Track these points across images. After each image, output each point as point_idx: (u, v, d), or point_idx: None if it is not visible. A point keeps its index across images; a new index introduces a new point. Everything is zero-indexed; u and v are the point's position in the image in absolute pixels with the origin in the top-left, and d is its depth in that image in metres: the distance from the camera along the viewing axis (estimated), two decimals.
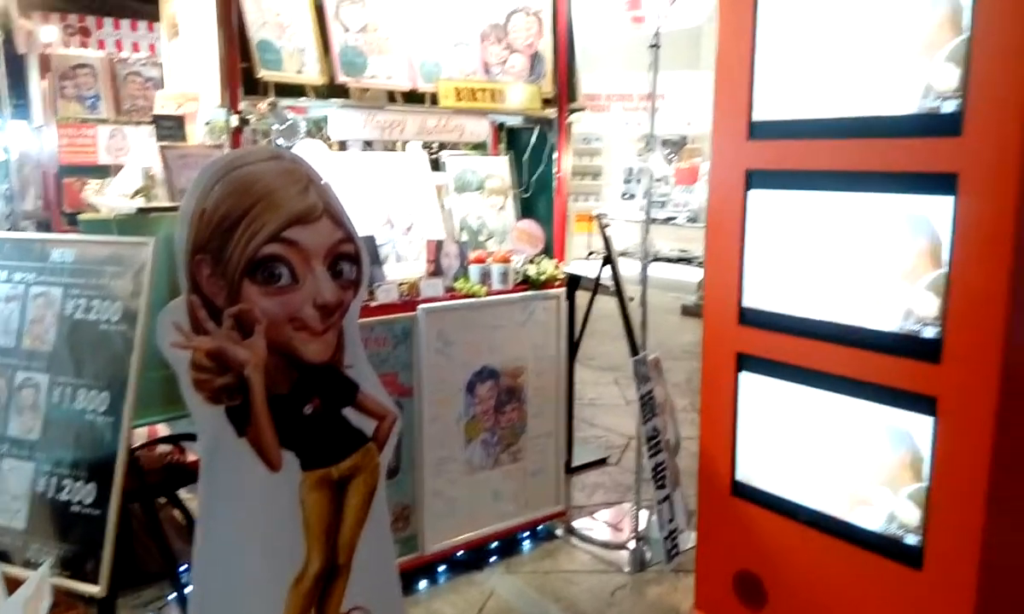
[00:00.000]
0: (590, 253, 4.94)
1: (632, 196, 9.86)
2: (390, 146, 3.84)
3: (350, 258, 2.42)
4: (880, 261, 2.22)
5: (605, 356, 6.84)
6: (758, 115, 2.43)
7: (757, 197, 2.48)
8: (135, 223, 2.67)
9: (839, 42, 2.22)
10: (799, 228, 2.40)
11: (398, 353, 3.19)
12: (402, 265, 3.45)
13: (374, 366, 2.80)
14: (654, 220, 9.44)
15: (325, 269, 2.35)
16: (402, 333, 3.21)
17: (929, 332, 2.14)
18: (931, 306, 2.12)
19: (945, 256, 2.07)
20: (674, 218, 9.30)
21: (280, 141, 2.91)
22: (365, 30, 3.30)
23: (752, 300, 2.54)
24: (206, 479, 2.26)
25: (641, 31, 8.77)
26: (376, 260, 3.28)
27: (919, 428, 2.18)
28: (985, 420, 2.01)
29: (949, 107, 2.02)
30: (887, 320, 2.23)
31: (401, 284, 3.29)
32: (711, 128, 2.57)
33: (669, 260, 9.87)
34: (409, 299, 3.26)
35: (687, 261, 9.82)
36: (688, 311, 8.88)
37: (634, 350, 3.69)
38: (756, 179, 2.46)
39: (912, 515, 2.24)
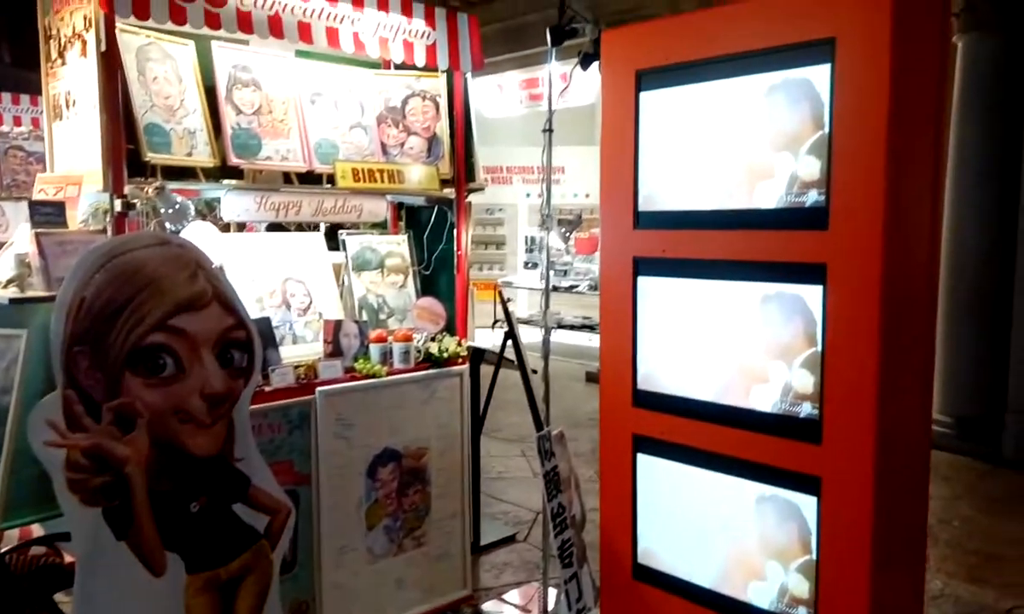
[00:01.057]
0: (495, 321, 4.98)
1: (535, 265, 10.04)
2: (294, 226, 3.79)
3: (241, 345, 2.35)
4: (760, 343, 2.33)
5: (512, 427, 6.83)
6: (643, 206, 2.54)
7: (645, 284, 2.57)
8: (7, 314, 2.52)
9: (714, 138, 2.35)
10: (686, 313, 2.49)
11: (294, 439, 3.10)
12: (299, 347, 3.38)
13: (268, 454, 2.71)
14: (556, 288, 9.64)
15: (214, 357, 2.28)
16: (299, 418, 3.12)
17: (808, 411, 2.24)
18: (807, 383, 2.23)
19: (819, 337, 2.20)
20: (576, 286, 9.50)
21: (168, 225, 2.83)
22: (259, 112, 3.28)
23: (646, 383, 2.60)
24: (82, 587, 2.12)
25: (539, 107, 9.02)
26: (271, 343, 3.20)
27: (806, 505, 2.27)
28: (864, 498, 2.12)
29: (816, 202, 2.16)
30: (769, 401, 2.32)
31: (298, 367, 3.21)
32: (600, 217, 2.66)
33: (573, 327, 10.03)
34: (306, 382, 3.18)
35: (590, 328, 10.02)
36: (592, 378, 9.02)
37: (538, 425, 3.70)
38: (643, 266, 2.56)
39: (802, 588, 2.31)
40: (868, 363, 2.10)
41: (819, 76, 2.15)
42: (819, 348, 2.21)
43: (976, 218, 5.97)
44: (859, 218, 2.08)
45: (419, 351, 3.61)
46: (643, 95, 2.50)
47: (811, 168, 2.18)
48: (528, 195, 11.40)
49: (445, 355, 3.65)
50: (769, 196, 2.27)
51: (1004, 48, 5.70)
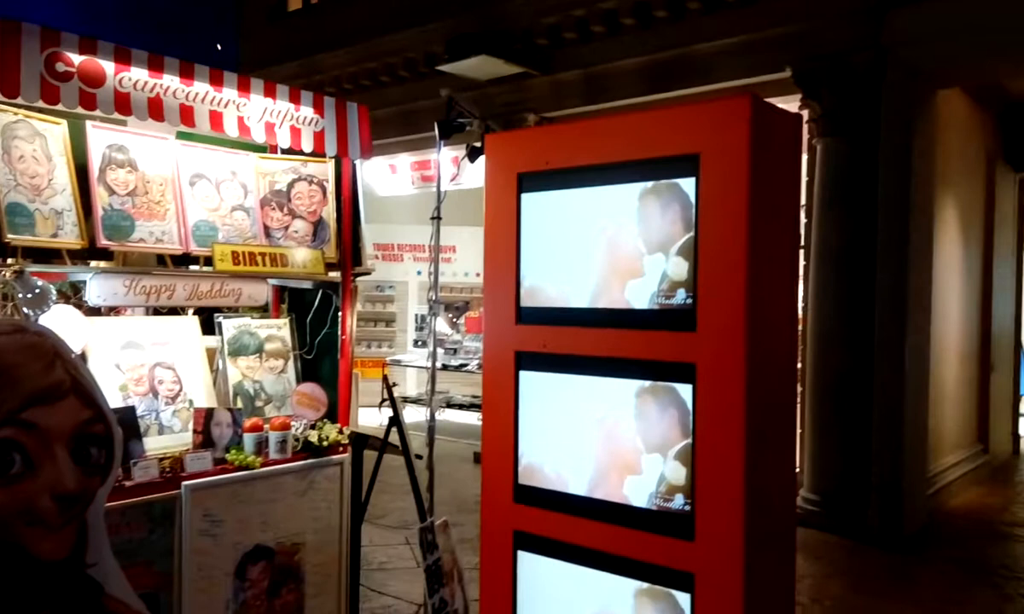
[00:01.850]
0: (382, 401, 4.89)
1: (425, 343, 10.00)
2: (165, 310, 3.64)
3: (99, 440, 2.19)
4: (637, 436, 2.40)
5: (397, 513, 6.66)
6: (525, 301, 2.59)
7: (527, 378, 2.61)
8: None
9: (591, 239, 2.45)
10: (566, 407, 2.54)
11: (155, 538, 2.91)
12: (166, 437, 3.21)
13: (125, 556, 2.53)
14: (446, 367, 9.61)
15: (68, 454, 2.12)
16: (162, 515, 2.94)
17: (680, 503, 2.31)
18: (680, 475, 2.31)
19: (691, 429, 2.28)
20: (466, 365, 9.50)
21: (27, 311, 2.66)
22: (134, 193, 3.18)
23: (527, 477, 2.61)
24: None
25: (431, 188, 9.14)
26: (134, 434, 3.03)
27: (682, 600, 2.31)
28: (735, 593, 2.18)
29: (684, 304, 2.27)
30: (644, 493, 2.38)
31: (163, 459, 3.04)
32: (483, 313, 2.70)
33: (462, 406, 9.98)
34: (172, 476, 3.01)
35: (479, 408, 10.02)
36: (480, 459, 8.96)
37: (421, 515, 3.63)
38: (525, 361, 2.60)
39: None
40: (734, 456, 2.19)
41: (687, 184, 2.29)
42: (691, 440, 2.29)
43: (836, 305, 6.40)
44: (724, 320, 2.20)
45: (297, 440, 3.50)
46: (524, 196, 2.58)
47: (680, 269, 2.30)
48: (419, 273, 11.43)
49: (325, 443, 3.55)
50: (642, 296, 2.37)
51: (856, 149, 6.24)
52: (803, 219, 6.50)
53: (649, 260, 2.37)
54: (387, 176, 10.72)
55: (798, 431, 6.21)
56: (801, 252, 6.51)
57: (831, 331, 6.40)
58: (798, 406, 6.20)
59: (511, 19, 7.89)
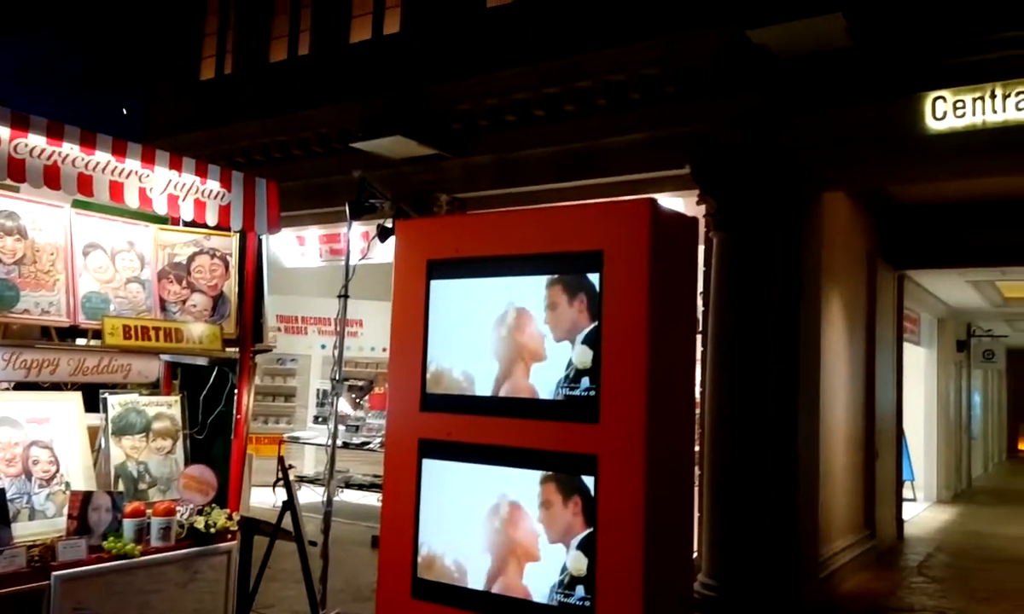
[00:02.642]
0: (277, 480, 4.70)
1: (325, 420, 9.72)
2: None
3: None
4: (540, 526, 2.38)
5: (287, 602, 6.33)
6: (430, 388, 2.58)
7: (430, 467, 2.57)
8: None
9: (500, 328, 2.48)
10: (469, 497, 2.51)
11: None
12: (38, 523, 2.98)
13: None
14: (347, 445, 9.35)
15: None
16: (28, 609, 2.70)
17: (579, 596, 2.29)
18: (582, 566, 2.30)
19: (593, 519, 2.29)
20: (368, 443, 9.27)
21: None
22: (21, 262, 3.01)
23: (426, 571, 2.55)
24: None
25: (340, 261, 9.04)
26: (3, 519, 2.80)
27: None
28: None
29: (588, 395, 2.31)
30: (546, 584, 2.35)
31: (32, 547, 2.82)
32: (387, 399, 2.66)
33: (362, 486, 9.69)
34: (41, 565, 2.79)
35: (379, 488, 9.75)
36: (379, 547, 8.67)
37: (313, 607, 3.48)
38: (428, 449, 2.56)
39: None
40: (634, 547, 2.20)
41: (592, 278, 2.35)
42: (593, 530, 2.30)
43: (732, 392, 6.61)
44: (625, 413, 2.25)
45: (182, 526, 3.31)
46: (434, 283, 2.60)
47: (585, 357, 2.35)
48: (323, 346, 11.19)
49: (212, 530, 3.37)
50: (548, 385, 2.40)
51: (750, 244, 6.56)
52: (701, 307, 6.76)
53: (555, 349, 2.40)
54: (295, 248, 10.56)
55: (696, 516, 6.31)
56: (699, 338, 6.76)
57: (727, 416, 6.59)
58: (696, 490, 6.33)
59: (426, 103, 8.05)
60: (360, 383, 8.53)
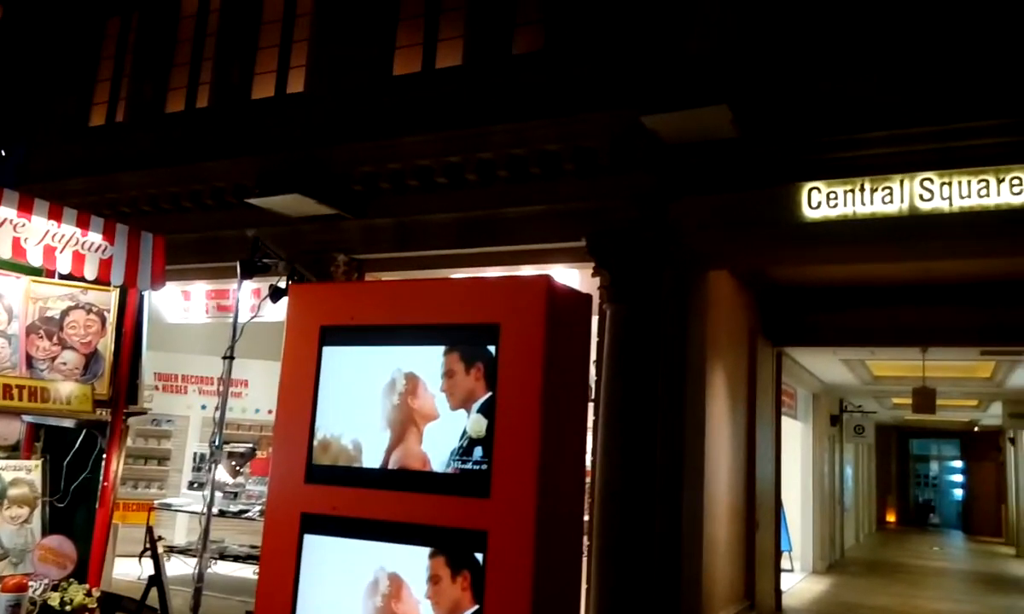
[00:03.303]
0: (144, 551, 4.39)
1: (201, 485, 9.20)
2: None
3: None
4: (428, 603, 2.31)
5: None
6: (317, 459, 2.49)
7: (312, 543, 2.46)
8: None
9: (392, 399, 2.43)
10: (352, 573, 2.41)
11: None
12: None
13: None
14: (224, 513, 8.85)
15: None
16: None
17: None
18: None
19: (480, 595, 2.24)
20: (247, 511, 8.80)
21: None
22: None
23: None
24: None
25: (227, 319, 8.71)
26: None
27: None
28: None
29: (480, 468, 2.28)
30: None
31: None
32: (270, 470, 2.55)
33: (238, 558, 9.15)
34: None
35: (257, 559, 9.25)
36: None
37: None
38: (311, 524, 2.46)
39: None
40: None
41: (488, 351, 2.35)
42: (479, 607, 2.24)
43: (621, 462, 6.71)
44: (516, 489, 2.23)
45: (34, 603, 3.03)
46: (326, 350, 2.53)
47: (480, 426, 2.33)
48: (204, 408, 10.66)
49: (68, 608, 3.10)
50: (439, 458, 2.36)
51: (641, 317, 6.77)
52: (593, 376, 6.88)
53: (450, 417, 2.37)
54: (179, 303, 10.11)
55: (584, 586, 6.30)
56: (591, 407, 6.86)
57: (616, 486, 6.66)
58: (584, 560, 6.33)
59: (328, 162, 7.98)
60: (241, 449, 8.10)
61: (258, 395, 10.61)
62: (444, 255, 7.78)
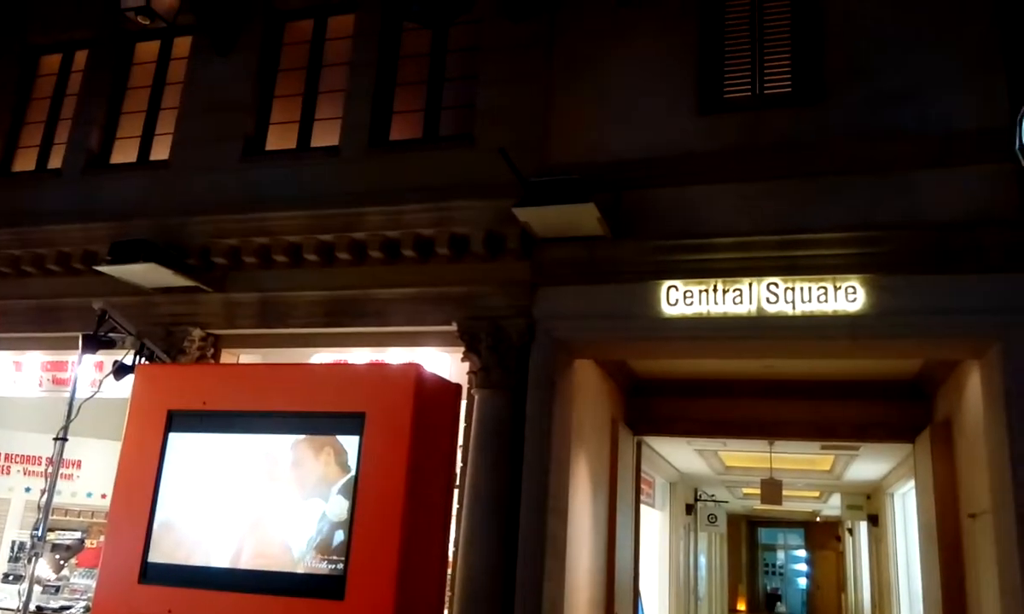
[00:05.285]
0: None
1: (19, 578, 8.26)
2: None
3: None
4: None
5: None
6: (154, 556, 2.28)
7: None
8: None
9: (243, 491, 2.28)
10: None
11: None
12: None
13: None
14: (41, 610, 7.95)
15: None
16: None
17: None
18: None
19: None
20: (70, 608, 7.96)
21: None
22: None
23: None
24: None
25: (64, 392, 8.03)
26: None
27: None
28: None
29: (335, 571, 2.16)
30: None
31: None
32: (100, 568, 2.31)
33: None
34: None
35: None
36: None
37: None
38: None
39: None
40: None
41: (351, 441, 2.26)
42: None
43: (483, 550, 6.59)
44: (374, 593, 2.12)
45: None
46: (172, 436, 2.36)
47: (340, 508, 2.22)
48: (28, 490, 9.64)
49: None
50: (292, 555, 2.22)
51: (507, 404, 6.80)
52: (459, 463, 6.79)
53: (305, 511, 2.25)
54: (10, 373, 9.23)
55: None
56: (456, 492, 6.74)
57: (477, 577, 6.53)
58: None
59: (189, 234, 7.66)
60: (67, 541, 7.32)
61: (92, 478, 9.72)
62: (309, 334, 7.56)
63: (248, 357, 8.09)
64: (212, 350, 7.85)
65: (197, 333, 7.73)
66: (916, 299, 5.93)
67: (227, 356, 7.98)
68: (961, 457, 7.65)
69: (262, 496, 2.29)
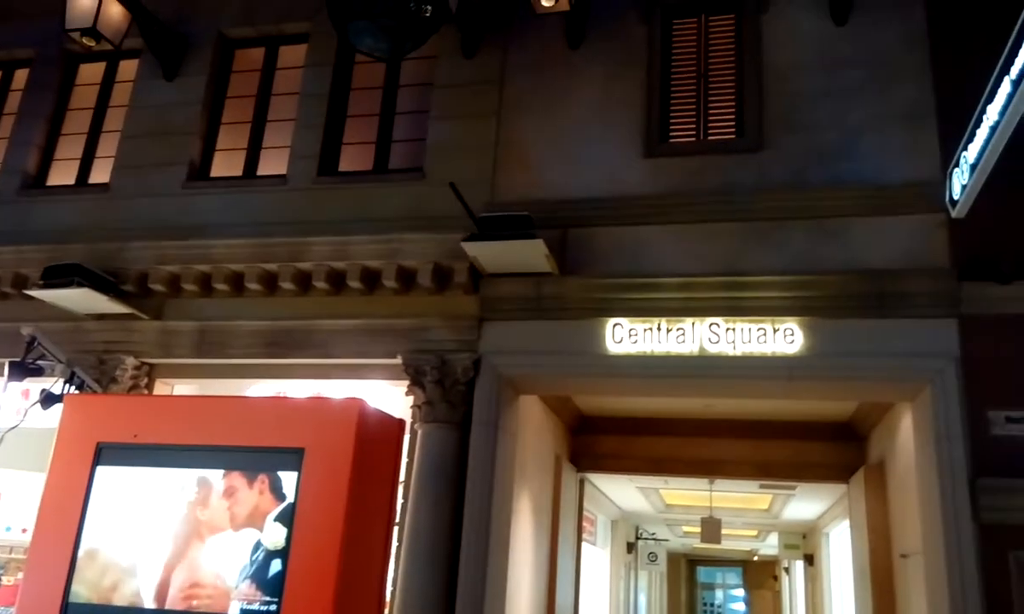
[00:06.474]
0: None
1: None
2: None
3: None
4: None
5: None
6: (76, 596, 2.17)
7: None
8: None
9: (177, 525, 2.20)
10: None
11: None
12: None
13: None
14: None
15: None
16: None
17: None
18: None
19: None
20: None
21: None
22: None
23: None
24: None
25: None
26: None
27: None
28: None
29: (268, 610, 2.10)
30: None
31: None
32: (17, 600, 2.19)
33: None
34: None
35: None
36: None
37: None
38: None
39: None
40: None
41: (289, 477, 2.21)
42: None
43: (422, 589, 6.46)
44: None
45: None
46: (100, 470, 2.26)
47: (278, 536, 2.16)
48: None
49: None
50: (221, 595, 2.14)
51: (451, 439, 6.74)
52: (400, 499, 6.68)
53: (237, 536, 2.18)
54: None
55: None
56: (396, 528, 6.62)
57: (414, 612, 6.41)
58: None
59: (126, 259, 7.45)
60: None
61: (12, 511, 9.26)
62: (249, 365, 7.40)
63: (183, 388, 7.87)
64: (146, 380, 7.61)
65: (131, 362, 7.49)
66: (851, 343, 6.11)
67: (161, 386, 7.75)
68: (893, 498, 7.85)
69: (194, 531, 2.21)
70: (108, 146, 8.46)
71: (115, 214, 7.95)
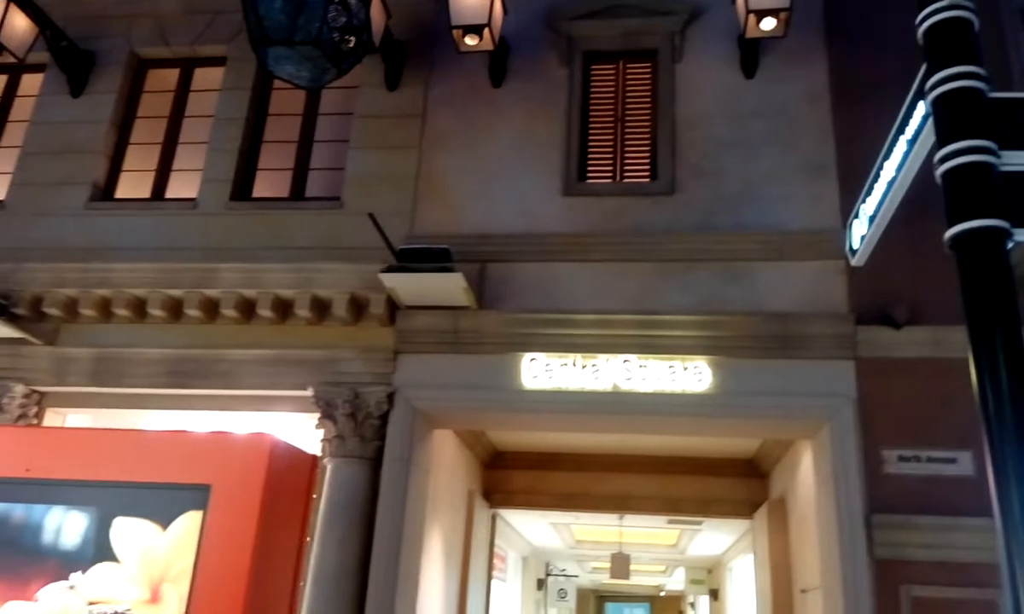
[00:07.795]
0: None
1: None
2: None
3: None
4: None
5: None
6: None
7: None
8: None
9: (62, 568, 2.06)
10: None
11: None
12: None
13: None
14: None
15: None
16: None
17: None
18: None
19: None
20: None
21: None
22: None
23: None
24: None
25: None
26: None
27: None
28: None
29: None
30: None
31: None
32: None
33: None
34: None
35: None
36: None
37: None
38: None
39: None
40: None
41: (193, 517, 2.11)
42: None
43: None
44: None
45: None
46: None
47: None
48: None
49: None
50: None
51: (362, 474, 6.58)
52: (309, 536, 6.47)
53: (143, 590, 2.06)
54: None
55: None
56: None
57: None
58: None
59: (20, 281, 7.04)
60: None
61: None
62: (150, 395, 7.08)
63: (77, 418, 7.45)
64: (35, 409, 7.17)
65: (19, 390, 7.05)
66: (755, 382, 6.33)
67: (52, 416, 7.31)
68: (794, 533, 8.12)
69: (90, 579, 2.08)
70: (6, 162, 8.03)
71: (10, 233, 7.52)
